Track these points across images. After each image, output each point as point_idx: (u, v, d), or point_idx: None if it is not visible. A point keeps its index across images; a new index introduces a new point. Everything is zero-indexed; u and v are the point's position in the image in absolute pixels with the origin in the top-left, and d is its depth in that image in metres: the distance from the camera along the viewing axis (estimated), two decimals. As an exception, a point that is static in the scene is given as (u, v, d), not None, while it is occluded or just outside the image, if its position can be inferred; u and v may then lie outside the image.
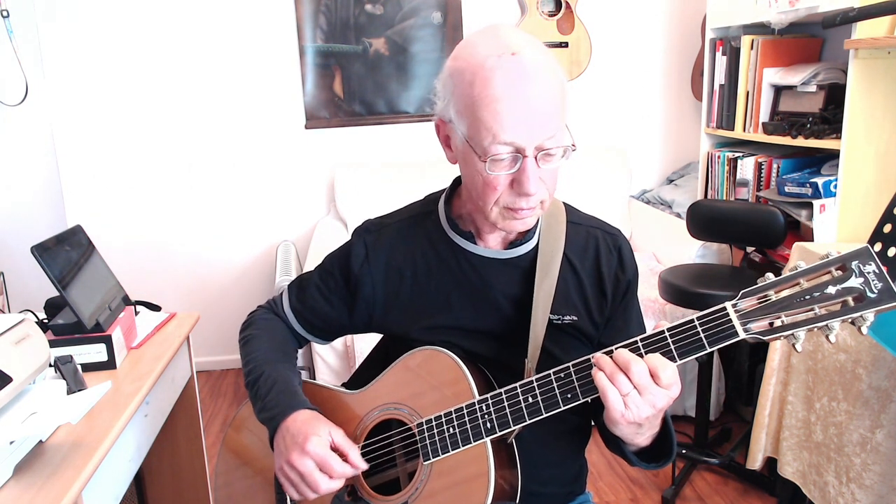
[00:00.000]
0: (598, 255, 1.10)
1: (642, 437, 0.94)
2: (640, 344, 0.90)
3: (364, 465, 1.01)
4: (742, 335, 0.84)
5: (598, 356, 0.89)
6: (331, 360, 2.58)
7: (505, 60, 0.91)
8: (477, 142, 0.94)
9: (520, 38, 0.95)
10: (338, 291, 1.15)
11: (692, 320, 0.87)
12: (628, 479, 2.37)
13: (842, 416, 1.67)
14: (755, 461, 1.98)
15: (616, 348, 0.90)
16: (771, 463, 2.03)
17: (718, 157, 2.79)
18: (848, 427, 1.66)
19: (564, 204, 1.14)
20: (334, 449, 1.00)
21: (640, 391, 0.85)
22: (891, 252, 1.35)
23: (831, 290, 0.81)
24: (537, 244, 1.09)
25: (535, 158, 0.93)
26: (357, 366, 1.31)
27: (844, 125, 2.05)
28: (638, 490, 2.31)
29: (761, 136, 2.52)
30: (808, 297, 0.82)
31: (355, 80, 3.24)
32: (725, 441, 2.55)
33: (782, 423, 1.89)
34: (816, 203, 2.12)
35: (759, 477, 2.26)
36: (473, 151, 0.95)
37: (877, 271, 0.80)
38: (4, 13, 2.85)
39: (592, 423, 1.18)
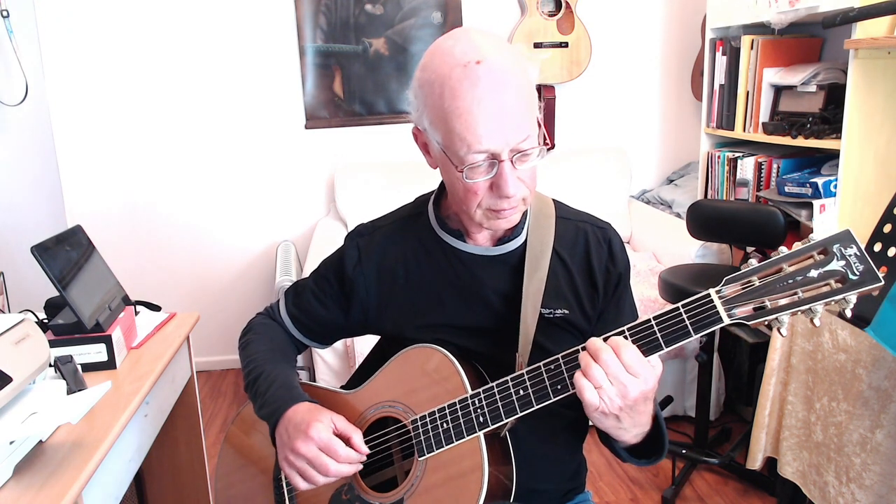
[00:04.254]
0: (588, 248, 1.11)
1: (628, 434, 0.94)
2: (626, 333, 0.90)
3: (366, 450, 1.01)
4: (726, 321, 0.85)
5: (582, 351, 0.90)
6: (331, 360, 2.59)
7: (471, 70, 0.92)
8: (453, 151, 0.96)
9: (484, 43, 0.94)
10: (333, 295, 1.17)
11: (677, 307, 0.88)
12: (628, 479, 2.37)
13: (842, 416, 1.67)
14: (755, 461, 1.97)
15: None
16: (771, 463, 2.03)
17: (718, 157, 2.79)
18: (848, 427, 1.66)
19: (553, 200, 1.15)
20: (338, 434, 1.00)
21: (611, 380, 0.86)
22: (891, 252, 1.35)
23: (814, 273, 0.82)
24: (526, 240, 1.10)
25: (511, 161, 0.95)
26: (356, 366, 1.31)
27: (844, 125, 2.05)
28: (638, 490, 2.31)
29: (761, 136, 2.52)
30: (790, 281, 0.83)
31: (355, 80, 3.24)
32: (725, 441, 2.55)
33: (782, 423, 1.88)
34: (816, 203, 2.12)
35: (759, 477, 2.26)
36: (450, 161, 0.97)
37: (858, 254, 0.81)
38: (4, 13, 2.85)
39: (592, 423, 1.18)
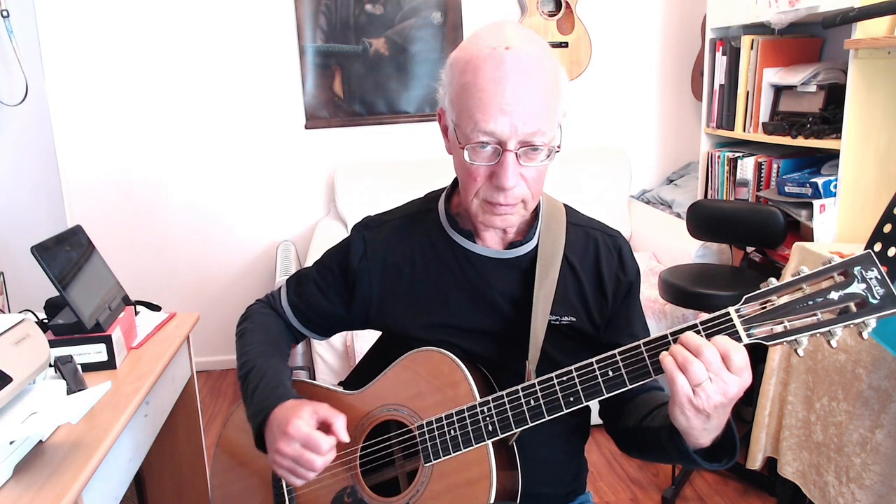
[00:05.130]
0: (599, 256, 1.10)
1: (709, 436, 0.89)
2: (643, 347, 0.88)
3: (346, 437, 0.98)
4: (745, 340, 0.84)
5: (673, 346, 0.85)
6: (330, 359, 2.58)
7: (498, 53, 0.93)
8: (461, 129, 0.96)
9: (520, 34, 0.95)
10: (335, 287, 1.15)
11: (696, 324, 0.86)
12: (628, 479, 2.37)
13: (842, 416, 1.67)
14: (755, 461, 1.98)
15: (678, 330, 0.86)
16: (771, 463, 2.03)
17: (718, 157, 2.79)
18: (848, 427, 1.66)
19: (565, 205, 1.14)
20: (321, 422, 0.98)
21: (711, 377, 0.82)
22: (891, 252, 1.35)
23: (834, 295, 0.81)
24: (537, 245, 1.09)
25: (517, 154, 0.94)
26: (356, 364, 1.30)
27: (844, 125, 2.05)
28: (638, 490, 2.31)
29: (761, 136, 2.52)
30: (810, 302, 0.82)
31: (355, 80, 3.24)
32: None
33: (782, 423, 1.88)
34: (816, 203, 2.12)
35: (759, 477, 2.26)
36: (458, 139, 0.97)
37: (879, 277, 0.80)
38: (4, 13, 2.85)
39: (601, 424, 1.17)
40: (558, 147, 0.97)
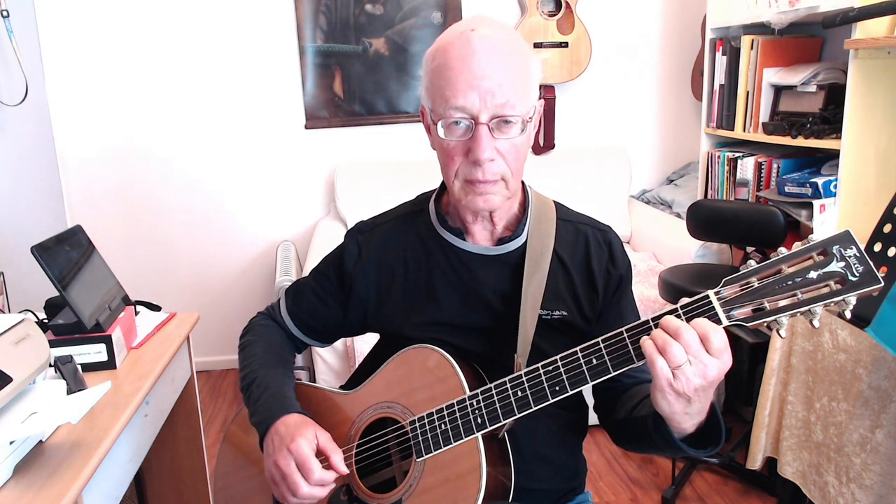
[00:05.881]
0: (588, 250, 1.11)
1: (691, 421, 0.89)
2: (625, 333, 0.89)
3: (345, 470, 1.01)
4: (725, 322, 0.85)
5: (654, 330, 0.86)
6: (331, 360, 2.58)
7: (465, 35, 0.97)
8: (436, 111, 0.99)
9: (485, 20, 1.00)
10: (333, 292, 1.17)
11: (676, 309, 0.87)
12: (628, 479, 2.37)
13: (842, 416, 1.67)
14: (755, 461, 1.97)
15: (659, 315, 0.87)
16: (771, 463, 2.03)
17: (718, 157, 2.79)
18: (848, 427, 1.65)
19: (555, 202, 1.16)
20: (320, 451, 1.00)
21: (691, 360, 0.82)
22: (891, 252, 1.35)
23: (813, 274, 0.81)
24: (526, 240, 1.09)
25: (490, 127, 0.97)
26: (356, 366, 1.31)
27: (844, 125, 2.05)
28: (638, 490, 2.31)
29: (761, 136, 2.52)
30: (790, 282, 0.82)
31: (355, 80, 3.24)
32: (725, 441, 2.54)
33: (782, 423, 1.88)
34: (816, 203, 2.12)
35: (759, 477, 2.26)
36: (434, 123, 1.00)
37: (857, 255, 0.80)
38: (4, 13, 2.85)
39: (599, 423, 1.17)
40: (530, 118, 1.00)
